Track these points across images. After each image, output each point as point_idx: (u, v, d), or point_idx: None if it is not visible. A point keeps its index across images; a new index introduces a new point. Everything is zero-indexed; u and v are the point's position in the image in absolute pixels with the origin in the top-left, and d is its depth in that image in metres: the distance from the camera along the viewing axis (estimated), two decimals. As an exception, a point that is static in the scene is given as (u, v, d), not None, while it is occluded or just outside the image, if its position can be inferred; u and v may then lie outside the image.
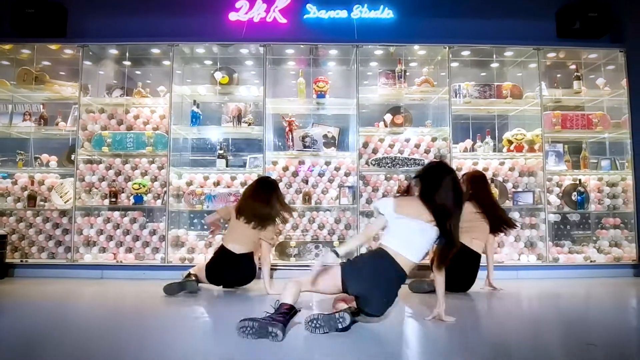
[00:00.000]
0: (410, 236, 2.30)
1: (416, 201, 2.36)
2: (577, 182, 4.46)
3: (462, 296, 3.31)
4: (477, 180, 3.48)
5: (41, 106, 4.59)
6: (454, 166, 4.31)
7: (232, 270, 3.40)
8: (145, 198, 4.33)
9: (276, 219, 3.44)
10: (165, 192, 4.29)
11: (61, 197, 4.41)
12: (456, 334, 2.31)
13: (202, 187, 4.48)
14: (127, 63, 4.69)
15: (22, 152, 4.50)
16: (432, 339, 2.25)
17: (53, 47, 4.51)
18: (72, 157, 4.47)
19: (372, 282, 2.23)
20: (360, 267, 2.29)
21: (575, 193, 4.42)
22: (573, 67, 4.72)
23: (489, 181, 3.80)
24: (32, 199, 4.35)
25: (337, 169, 4.59)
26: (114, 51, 4.62)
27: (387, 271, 2.26)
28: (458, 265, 2.91)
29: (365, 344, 2.07)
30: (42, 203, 4.41)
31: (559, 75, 4.91)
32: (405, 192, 2.55)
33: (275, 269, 4.14)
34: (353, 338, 2.15)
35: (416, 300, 3.18)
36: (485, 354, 1.98)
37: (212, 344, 2.18)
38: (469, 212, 3.25)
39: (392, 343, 2.18)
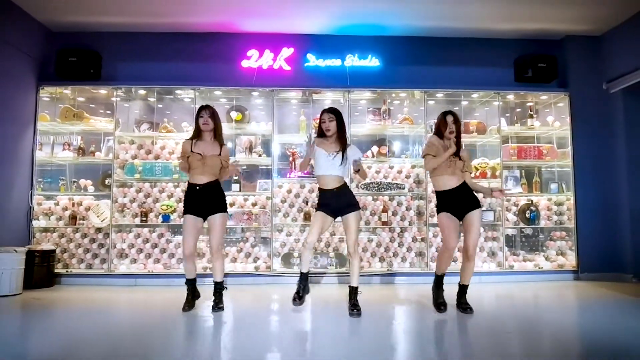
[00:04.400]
0: None
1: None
2: (530, 202, 5.41)
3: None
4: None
5: (79, 138, 5.33)
6: (429, 189, 5.24)
7: None
8: (171, 217, 5.13)
9: None
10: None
11: (98, 216, 5.16)
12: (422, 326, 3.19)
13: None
14: (153, 99, 5.48)
15: (63, 177, 5.26)
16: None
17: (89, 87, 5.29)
18: (106, 181, 5.24)
19: None
20: None
21: (528, 211, 5.37)
22: (529, 104, 5.67)
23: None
24: (73, 217, 5.11)
25: (332, 191, 5.44)
26: (142, 91, 5.40)
27: None
28: None
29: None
30: (81, 222, 5.17)
31: (518, 110, 5.87)
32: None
33: (281, 276, 4.98)
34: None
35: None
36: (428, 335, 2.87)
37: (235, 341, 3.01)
38: None
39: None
